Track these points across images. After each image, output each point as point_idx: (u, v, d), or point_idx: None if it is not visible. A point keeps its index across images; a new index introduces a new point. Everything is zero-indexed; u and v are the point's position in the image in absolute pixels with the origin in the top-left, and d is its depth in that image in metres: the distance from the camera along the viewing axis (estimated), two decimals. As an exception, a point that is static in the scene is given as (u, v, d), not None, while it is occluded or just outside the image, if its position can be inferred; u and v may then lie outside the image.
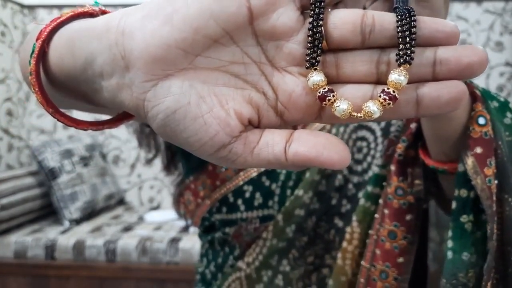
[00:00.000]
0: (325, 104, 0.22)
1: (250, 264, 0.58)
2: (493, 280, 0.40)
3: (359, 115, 0.22)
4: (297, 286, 0.56)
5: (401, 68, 0.21)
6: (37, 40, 0.27)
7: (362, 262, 0.50)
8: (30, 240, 1.77)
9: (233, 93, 0.23)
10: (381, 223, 0.49)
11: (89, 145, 2.24)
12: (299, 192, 0.56)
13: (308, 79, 0.22)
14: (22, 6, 2.37)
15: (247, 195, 0.58)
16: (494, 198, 0.40)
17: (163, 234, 1.83)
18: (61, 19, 0.28)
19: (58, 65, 0.27)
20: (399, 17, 0.21)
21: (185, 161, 0.64)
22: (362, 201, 0.52)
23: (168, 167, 0.69)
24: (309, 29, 0.22)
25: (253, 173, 0.57)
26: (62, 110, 0.29)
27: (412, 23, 0.21)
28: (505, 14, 2.25)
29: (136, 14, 0.22)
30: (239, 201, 0.58)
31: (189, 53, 0.21)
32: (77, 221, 1.98)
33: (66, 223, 1.97)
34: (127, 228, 1.91)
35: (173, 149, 0.68)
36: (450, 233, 0.43)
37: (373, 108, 0.21)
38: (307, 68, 0.22)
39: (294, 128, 0.24)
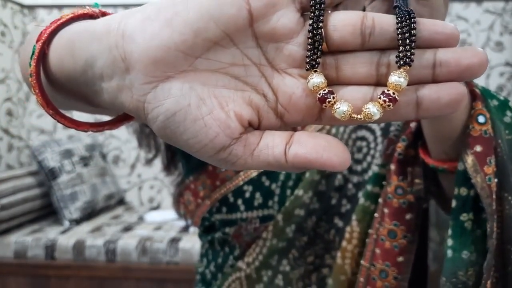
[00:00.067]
0: (325, 106, 0.22)
1: (250, 264, 0.58)
2: (492, 279, 0.40)
3: (359, 117, 0.22)
4: (297, 286, 0.56)
5: (401, 70, 0.21)
6: (37, 41, 0.28)
7: (362, 261, 0.50)
8: (30, 240, 1.77)
9: (233, 95, 0.23)
10: (380, 222, 0.49)
11: (89, 145, 2.24)
12: (299, 192, 0.56)
13: (308, 81, 0.22)
14: (22, 6, 2.37)
15: (247, 195, 0.58)
16: (494, 196, 0.40)
17: (163, 234, 1.83)
18: (61, 20, 0.28)
19: (58, 67, 0.27)
20: (399, 19, 0.21)
21: (185, 161, 0.64)
22: (361, 200, 0.52)
23: (168, 167, 0.70)
24: (309, 31, 0.22)
25: (253, 173, 0.58)
26: (63, 112, 0.29)
27: (412, 25, 0.21)
28: (505, 14, 2.25)
29: (136, 17, 0.22)
30: (239, 201, 0.58)
31: (189, 55, 0.21)
32: (77, 221, 1.98)
33: (66, 223, 1.97)
34: (127, 228, 1.91)
35: (173, 149, 0.68)
36: (450, 232, 0.43)
37: (373, 109, 0.21)
38: (307, 70, 0.22)
39: (294, 129, 0.24)
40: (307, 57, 0.22)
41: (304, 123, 0.24)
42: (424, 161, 0.48)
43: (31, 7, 2.39)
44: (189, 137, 0.22)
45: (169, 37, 0.21)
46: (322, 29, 0.22)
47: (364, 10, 0.37)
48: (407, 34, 0.21)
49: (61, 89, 0.29)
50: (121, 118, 0.31)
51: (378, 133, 0.56)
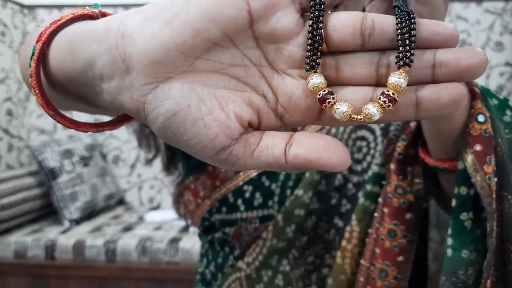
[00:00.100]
0: (325, 107, 0.22)
1: (250, 264, 0.58)
2: (492, 278, 0.40)
3: (359, 117, 0.22)
4: (297, 286, 0.56)
5: (401, 70, 0.21)
6: (37, 42, 0.28)
7: (362, 261, 0.50)
8: (30, 240, 1.77)
9: (233, 96, 0.23)
10: (380, 222, 0.49)
11: (89, 145, 2.24)
12: (299, 192, 0.56)
13: (308, 82, 0.22)
14: (22, 6, 2.37)
15: (247, 195, 0.58)
16: (494, 195, 0.40)
17: (163, 234, 1.83)
18: (61, 21, 0.28)
19: (58, 67, 0.27)
20: (398, 19, 0.21)
21: (185, 162, 0.64)
22: (361, 200, 0.52)
23: (168, 167, 0.69)
24: (309, 32, 0.22)
25: (253, 173, 0.57)
26: (62, 112, 0.29)
27: (412, 25, 0.21)
28: (505, 14, 2.25)
29: (136, 17, 0.22)
30: (239, 201, 0.58)
31: (189, 56, 0.21)
32: (77, 221, 1.98)
33: (66, 223, 1.97)
34: (127, 228, 1.92)
35: (173, 149, 0.68)
36: (449, 231, 0.43)
37: (373, 110, 0.21)
38: (307, 70, 0.22)
39: (294, 130, 0.24)
40: (307, 57, 0.22)
41: (304, 124, 0.24)
42: (424, 161, 0.48)
43: (31, 7, 2.39)
44: (189, 138, 0.22)
45: (169, 38, 0.21)
46: (322, 30, 0.22)
47: (363, 10, 0.37)
48: (406, 35, 0.21)
49: (61, 90, 0.29)
50: (121, 118, 0.31)
51: (378, 133, 0.56)
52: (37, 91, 0.27)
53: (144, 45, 0.21)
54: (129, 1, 2.29)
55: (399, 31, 0.21)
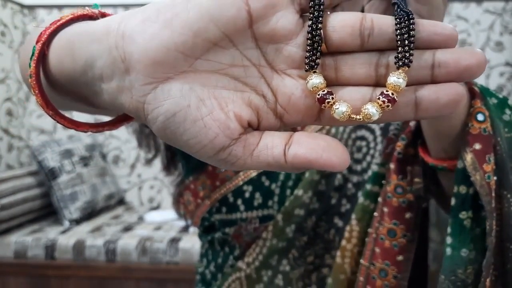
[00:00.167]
0: (324, 107, 0.22)
1: (250, 264, 0.58)
2: (491, 277, 0.40)
3: (358, 117, 0.22)
4: (297, 286, 0.56)
5: (400, 70, 0.21)
6: (37, 42, 0.28)
7: (361, 261, 0.50)
8: (30, 240, 1.77)
9: (233, 96, 0.23)
10: (380, 221, 0.49)
11: (89, 145, 2.24)
12: (299, 192, 0.56)
13: (308, 82, 0.22)
14: (22, 6, 2.37)
15: (247, 195, 0.58)
16: (493, 194, 0.40)
17: (163, 234, 1.83)
18: (61, 21, 0.28)
19: (58, 68, 0.27)
20: (397, 20, 0.21)
21: (185, 162, 0.64)
22: (361, 200, 0.52)
23: (168, 168, 0.70)
24: (308, 32, 0.22)
25: (253, 173, 0.58)
26: (62, 112, 0.29)
27: (411, 26, 0.21)
28: (505, 14, 2.25)
29: (136, 18, 0.22)
30: (239, 201, 0.58)
31: (189, 56, 0.21)
32: (77, 221, 1.98)
33: (66, 223, 1.97)
34: (127, 228, 1.92)
35: (173, 149, 0.68)
36: (449, 230, 0.43)
37: (372, 110, 0.21)
38: (306, 70, 0.22)
39: (294, 130, 0.24)
40: (306, 58, 0.22)
41: (303, 124, 0.24)
42: (423, 160, 0.48)
43: (31, 7, 2.39)
44: (189, 138, 0.22)
45: (169, 38, 0.21)
46: (321, 30, 0.22)
47: (363, 10, 0.38)
48: (406, 35, 0.21)
49: (61, 90, 0.29)
50: (121, 118, 0.32)
51: (378, 132, 0.56)
52: (36, 91, 0.27)
53: (144, 45, 0.21)
54: (129, 1, 2.29)
55: (398, 31, 0.21)
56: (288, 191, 0.57)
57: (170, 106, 0.22)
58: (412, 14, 0.21)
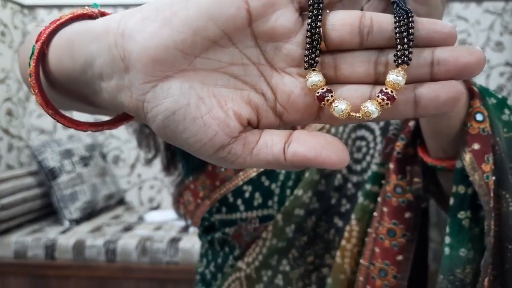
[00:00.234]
0: (324, 105, 0.22)
1: (250, 264, 0.58)
2: (490, 277, 0.40)
3: (357, 115, 0.22)
4: (297, 286, 0.56)
5: (399, 68, 0.21)
6: (36, 42, 0.28)
7: (361, 261, 0.50)
8: (30, 240, 1.77)
9: (232, 94, 0.23)
10: (380, 221, 0.49)
11: (89, 145, 2.24)
12: (299, 192, 0.56)
13: (307, 80, 0.22)
14: (22, 6, 2.37)
15: (247, 195, 0.58)
16: (492, 194, 0.40)
17: (163, 234, 1.83)
18: (60, 21, 0.28)
19: (57, 67, 0.27)
20: (397, 18, 0.21)
21: (185, 162, 0.64)
22: (360, 200, 0.52)
23: (168, 168, 0.70)
24: (307, 30, 0.22)
25: (253, 173, 0.58)
26: (62, 112, 0.29)
27: (410, 24, 0.21)
28: (505, 14, 2.25)
29: (135, 16, 0.22)
30: (239, 201, 0.58)
31: (188, 54, 0.22)
32: (77, 221, 1.98)
33: (66, 223, 1.97)
34: (127, 228, 1.92)
35: (173, 149, 0.68)
36: (447, 229, 0.43)
37: (372, 108, 0.21)
38: (305, 69, 0.22)
39: (293, 128, 0.24)
40: (305, 56, 0.22)
41: (303, 122, 0.24)
42: (423, 160, 0.48)
43: (31, 7, 2.39)
44: (189, 136, 0.22)
45: (168, 36, 0.21)
46: (321, 29, 0.22)
47: (362, 9, 0.38)
48: (405, 33, 0.21)
49: (60, 89, 0.29)
50: (121, 117, 0.31)
51: (378, 132, 0.56)
52: (36, 91, 0.27)
53: (144, 43, 0.21)
54: (129, 1, 2.29)
55: (398, 29, 0.21)
56: (288, 191, 0.57)
57: (169, 105, 0.22)
58: (411, 12, 0.21)
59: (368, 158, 0.55)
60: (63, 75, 0.27)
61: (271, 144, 0.22)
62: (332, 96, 0.22)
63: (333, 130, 0.56)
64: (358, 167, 0.56)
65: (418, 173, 0.49)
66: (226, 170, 0.59)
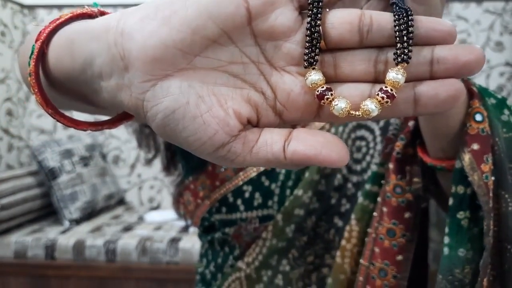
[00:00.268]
0: (323, 103, 0.22)
1: (250, 264, 0.58)
2: (489, 277, 0.40)
3: (357, 113, 0.22)
4: (297, 286, 0.56)
5: (399, 66, 0.21)
6: (36, 41, 0.28)
7: (361, 260, 0.50)
8: (30, 240, 1.77)
9: (232, 93, 0.23)
10: (379, 221, 0.49)
11: (89, 145, 2.24)
12: (299, 192, 0.56)
13: (307, 78, 0.22)
14: (22, 6, 2.38)
15: (247, 195, 0.58)
16: (491, 194, 0.40)
17: (163, 234, 1.83)
18: (60, 20, 0.28)
19: (57, 66, 0.27)
20: (396, 16, 0.21)
21: (185, 162, 0.64)
22: (360, 200, 0.52)
23: (168, 168, 0.70)
24: (307, 29, 0.22)
25: (253, 173, 0.57)
26: (62, 111, 0.29)
27: (410, 22, 0.21)
28: (505, 14, 2.25)
29: (135, 15, 0.22)
30: (239, 201, 0.58)
31: (187, 53, 0.22)
32: (77, 221, 1.98)
33: (66, 223, 1.97)
34: (127, 228, 1.92)
35: (173, 149, 0.68)
36: (446, 229, 0.43)
37: (371, 106, 0.21)
38: (305, 67, 0.22)
39: (293, 127, 0.24)
40: (305, 54, 0.22)
41: (302, 121, 0.24)
42: (422, 160, 0.48)
43: (31, 7, 2.40)
44: (188, 135, 0.22)
45: (167, 35, 0.21)
46: (320, 27, 0.22)
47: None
48: (404, 31, 0.21)
49: (60, 89, 0.29)
50: (121, 117, 0.31)
51: (377, 132, 0.56)
52: (36, 90, 0.27)
53: (143, 42, 0.21)
54: (129, 1, 2.29)
55: (397, 27, 0.21)
56: (288, 191, 0.57)
57: (169, 103, 0.22)
58: (411, 11, 0.21)
59: (368, 158, 0.55)
60: (63, 74, 0.27)
61: (271, 142, 0.22)
62: (332, 94, 0.22)
63: (332, 130, 0.56)
64: (358, 167, 0.56)
65: (418, 173, 0.49)
66: (226, 170, 0.59)
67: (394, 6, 0.22)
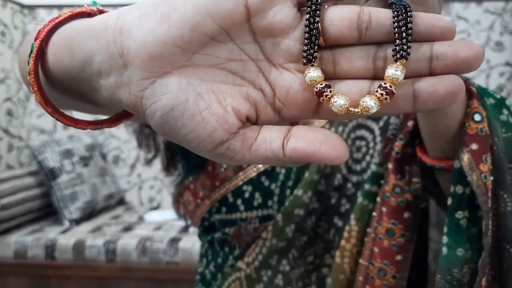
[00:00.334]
0: (323, 100, 0.22)
1: (250, 264, 0.58)
2: (488, 276, 0.40)
3: (356, 110, 0.22)
4: (297, 286, 0.56)
5: (398, 63, 0.21)
6: (35, 40, 0.28)
7: (360, 260, 0.50)
8: (30, 240, 1.77)
9: (231, 90, 0.23)
10: (379, 221, 0.49)
11: (89, 145, 2.24)
12: (299, 192, 0.56)
13: (305, 75, 0.22)
14: (22, 6, 2.38)
15: (247, 195, 0.58)
16: (490, 194, 0.40)
17: (163, 234, 1.83)
18: (59, 19, 0.28)
19: (56, 65, 0.27)
20: (395, 13, 0.21)
21: (185, 162, 0.64)
22: (360, 199, 0.52)
23: (168, 168, 0.70)
24: (306, 26, 0.22)
25: (253, 173, 0.57)
26: (61, 110, 0.29)
27: (409, 18, 0.21)
28: (505, 14, 2.25)
29: (133, 13, 0.22)
30: (239, 201, 0.58)
31: (186, 50, 0.21)
32: (77, 221, 1.98)
33: (66, 223, 1.97)
34: (127, 228, 1.92)
35: (173, 149, 0.68)
36: (445, 229, 0.43)
37: (370, 103, 0.21)
38: (304, 64, 0.22)
39: (292, 124, 0.24)
40: (304, 51, 0.22)
41: (301, 118, 0.24)
42: (421, 160, 0.48)
43: (31, 7, 2.40)
44: (187, 132, 0.22)
45: (166, 32, 0.21)
46: (319, 24, 0.22)
47: None
48: (403, 28, 0.21)
49: (59, 87, 0.29)
50: (120, 115, 0.31)
51: (377, 132, 0.56)
52: (35, 89, 0.27)
53: (142, 39, 0.21)
54: (129, 1, 2.29)
55: (396, 24, 0.21)
56: (287, 191, 0.57)
57: (168, 101, 0.22)
58: (410, 7, 0.21)
59: (367, 158, 0.55)
60: (62, 72, 0.27)
61: (270, 140, 0.22)
62: (331, 91, 0.22)
63: (332, 130, 0.56)
64: (357, 167, 0.56)
65: (417, 173, 0.49)
66: (226, 170, 0.59)
67: (393, 5, 0.22)
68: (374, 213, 0.50)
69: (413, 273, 0.49)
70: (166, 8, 0.21)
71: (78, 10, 0.29)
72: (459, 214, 0.43)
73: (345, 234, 0.53)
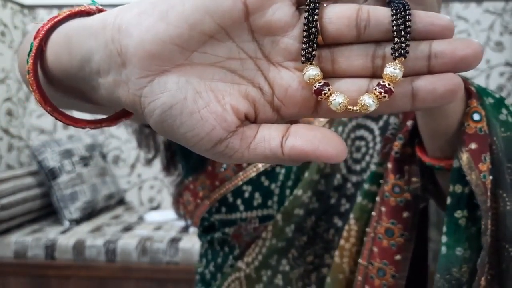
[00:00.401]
0: (321, 98, 0.22)
1: (249, 264, 0.58)
2: (487, 276, 0.40)
3: (355, 108, 0.22)
4: (297, 286, 0.56)
5: (396, 61, 0.21)
6: (34, 39, 0.28)
7: (360, 260, 0.50)
8: (30, 240, 1.77)
9: (230, 88, 0.23)
10: (378, 221, 0.49)
11: (89, 145, 2.24)
12: (298, 192, 0.56)
13: (304, 74, 0.22)
14: (22, 6, 2.38)
15: (246, 195, 0.58)
16: (489, 193, 0.40)
17: (163, 234, 1.83)
18: (58, 18, 0.28)
19: (55, 63, 0.27)
20: (394, 11, 0.21)
21: (184, 162, 0.64)
22: (359, 199, 0.52)
23: (168, 168, 0.70)
24: (304, 24, 0.22)
25: (252, 173, 0.57)
26: (60, 109, 0.29)
27: (407, 16, 0.21)
28: (505, 14, 2.25)
29: (132, 11, 0.22)
30: (239, 201, 0.58)
31: (185, 49, 0.21)
32: (77, 221, 1.98)
33: (66, 223, 1.97)
34: (127, 228, 1.92)
35: (173, 149, 0.68)
36: (444, 229, 0.43)
37: (369, 101, 0.21)
38: (302, 62, 0.22)
39: (291, 122, 0.24)
40: (302, 50, 0.22)
41: (300, 116, 0.24)
42: (420, 159, 0.48)
43: (31, 7, 2.40)
44: (186, 131, 0.22)
45: (164, 31, 0.21)
46: (318, 22, 0.22)
47: None
48: (402, 26, 0.21)
49: (59, 86, 0.29)
50: (119, 114, 0.31)
51: (377, 132, 0.56)
52: (34, 88, 0.27)
53: (140, 38, 0.21)
54: (128, 0, 2.29)
55: (395, 22, 0.21)
56: (287, 191, 0.57)
57: (166, 99, 0.22)
58: (408, 5, 0.21)
59: (367, 158, 0.55)
60: (61, 71, 0.27)
61: (268, 138, 0.22)
62: (329, 89, 0.22)
63: (332, 130, 0.56)
64: (357, 167, 0.56)
65: (416, 173, 0.49)
66: (226, 170, 0.59)
67: (392, 3, 0.22)
68: (373, 213, 0.50)
69: (413, 273, 0.49)
70: (164, 6, 0.21)
71: (77, 9, 0.29)
72: (458, 214, 0.43)
73: (344, 234, 0.53)
